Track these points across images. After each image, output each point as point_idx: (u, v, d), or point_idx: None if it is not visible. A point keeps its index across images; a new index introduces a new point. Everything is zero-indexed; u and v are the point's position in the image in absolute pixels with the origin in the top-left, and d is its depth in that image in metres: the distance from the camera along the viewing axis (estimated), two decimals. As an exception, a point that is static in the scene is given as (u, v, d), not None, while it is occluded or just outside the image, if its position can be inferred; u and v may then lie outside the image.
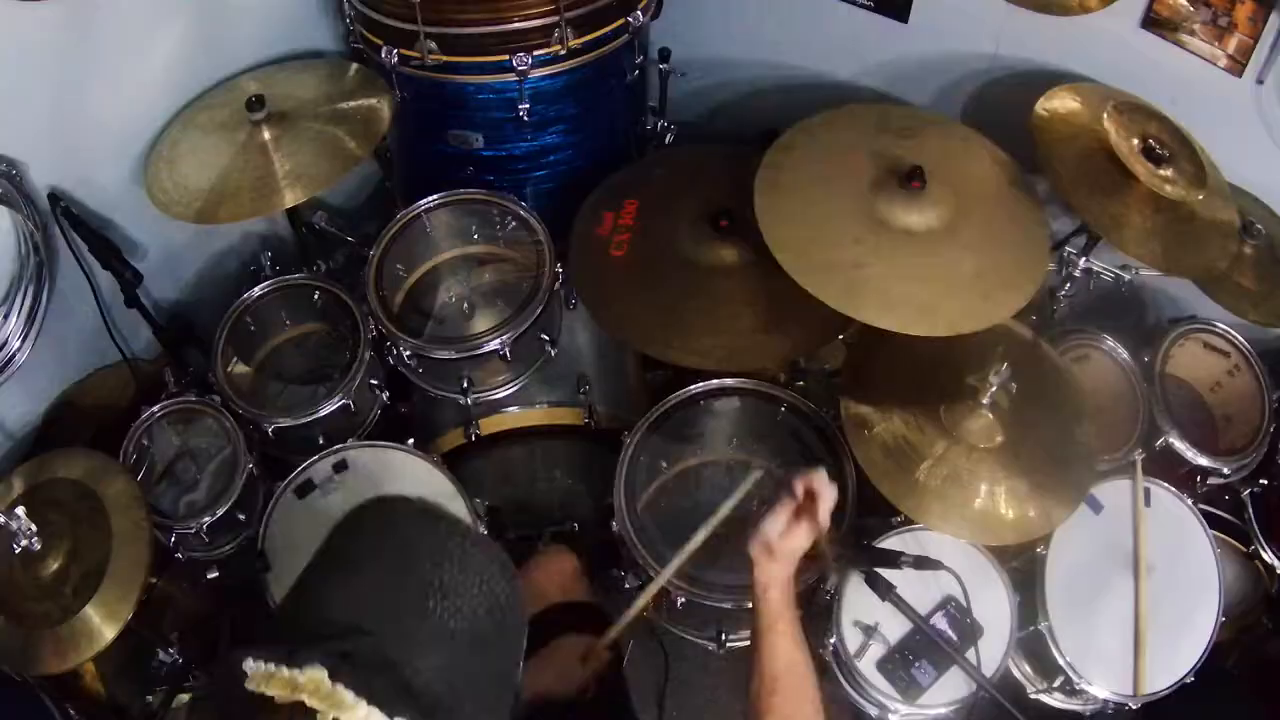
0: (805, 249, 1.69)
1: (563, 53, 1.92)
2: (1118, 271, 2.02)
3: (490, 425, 1.99)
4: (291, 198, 1.81)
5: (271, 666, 0.66)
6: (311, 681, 0.65)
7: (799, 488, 1.20)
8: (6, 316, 1.76)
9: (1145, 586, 1.71)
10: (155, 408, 1.90)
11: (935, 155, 1.81)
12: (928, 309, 1.63)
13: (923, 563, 1.60)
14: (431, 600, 0.73)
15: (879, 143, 1.84)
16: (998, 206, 1.79)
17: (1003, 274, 1.68)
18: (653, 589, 1.46)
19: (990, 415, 1.67)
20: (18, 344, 1.77)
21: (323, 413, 1.88)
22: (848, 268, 1.66)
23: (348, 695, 0.65)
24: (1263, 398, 2.00)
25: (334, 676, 0.66)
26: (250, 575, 1.72)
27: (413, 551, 0.76)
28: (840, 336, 1.90)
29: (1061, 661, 1.67)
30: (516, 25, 1.86)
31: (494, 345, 1.84)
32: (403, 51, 1.91)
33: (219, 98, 1.98)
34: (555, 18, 1.86)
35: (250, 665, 0.67)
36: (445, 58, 1.91)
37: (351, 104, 1.96)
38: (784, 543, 1.21)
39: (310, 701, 0.65)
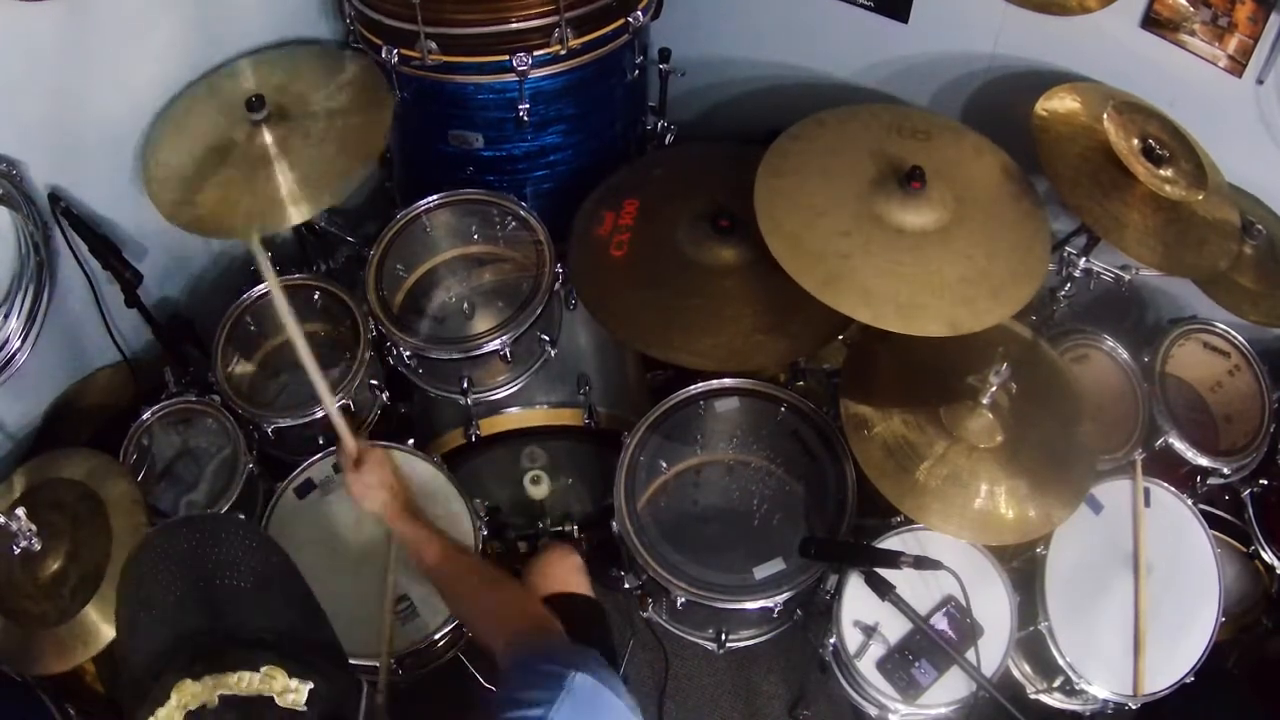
0: (796, 235, 1.70)
1: (563, 53, 1.92)
2: (1118, 271, 2.02)
3: (490, 425, 1.99)
4: (297, 215, 1.82)
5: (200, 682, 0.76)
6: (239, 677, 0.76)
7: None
8: (6, 316, 1.76)
9: (1145, 586, 1.71)
10: (155, 408, 1.90)
11: (943, 159, 1.81)
12: (905, 307, 1.63)
13: (923, 563, 1.60)
14: (218, 579, 0.87)
15: (887, 142, 1.84)
16: (998, 218, 1.78)
17: (990, 284, 1.68)
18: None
19: (990, 415, 1.67)
20: (18, 344, 1.77)
21: (322, 413, 1.88)
22: (833, 258, 1.67)
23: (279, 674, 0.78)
24: (1263, 398, 2.00)
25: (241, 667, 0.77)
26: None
27: (180, 561, 0.88)
28: (840, 336, 1.90)
29: (1061, 661, 1.67)
30: (516, 25, 1.86)
31: (494, 345, 1.84)
32: (403, 51, 1.91)
33: (214, 87, 1.96)
34: (555, 18, 1.86)
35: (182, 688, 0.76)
36: (445, 58, 1.91)
37: (350, 95, 1.95)
38: (361, 489, 1.55)
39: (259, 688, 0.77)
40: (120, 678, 0.83)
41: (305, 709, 0.76)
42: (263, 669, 0.77)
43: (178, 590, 0.86)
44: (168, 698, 0.74)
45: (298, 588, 0.92)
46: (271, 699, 0.76)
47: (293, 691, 0.77)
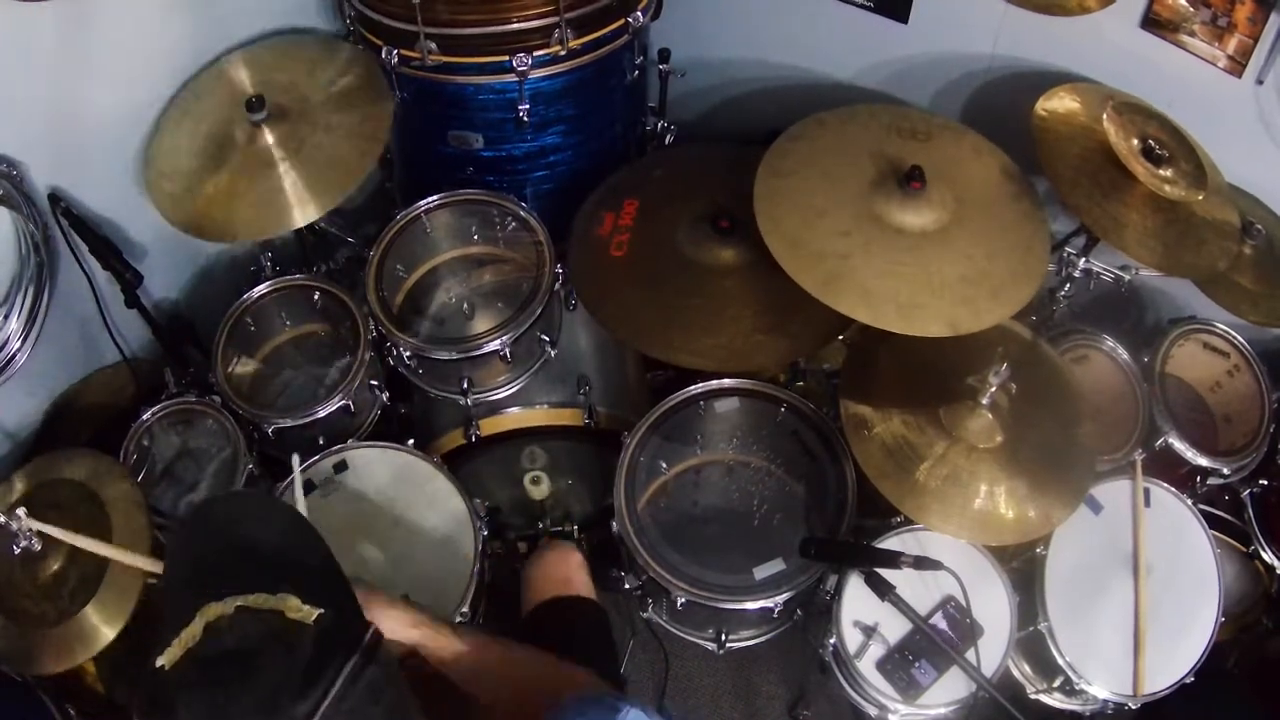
0: (796, 235, 1.71)
1: (562, 53, 1.92)
2: (1118, 271, 2.02)
3: (490, 426, 1.99)
4: (301, 217, 1.82)
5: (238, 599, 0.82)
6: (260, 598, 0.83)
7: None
8: (7, 317, 1.76)
9: (1145, 586, 1.71)
10: (155, 408, 1.90)
11: (943, 160, 1.81)
12: (905, 307, 1.63)
13: (923, 563, 1.60)
14: (247, 530, 0.93)
15: (887, 142, 1.85)
16: (997, 218, 1.79)
17: (990, 284, 1.68)
18: None
19: (990, 415, 1.67)
20: (18, 344, 1.77)
21: (322, 413, 1.88)
22: (833, 258, 1.67)
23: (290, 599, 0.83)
24: (1262, 398, 2.00)
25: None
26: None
27: (215, 520, 0.97)
28: (840, 336, 1.90)
29: (1061, 661, 1.67)
30: (516, 26, 1.86)
31: (494, 346, 1.84)
32: (403, 52, 1.91)
33: (211, 85, 1.96)
34: (555, 18, 1.86)
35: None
36: (445, 58, 1.91)
37: (349, 85, 1.95)
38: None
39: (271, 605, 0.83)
40: (161, 619, 0.88)
41: (310, 624, 0.82)
42: (279, 594, 0.83)
43: (212, 541, 0.93)
44: (193, 620, 0.81)
45: (321, 545, 0.97)
46: (282, 612, 0.82)
47: (301, 611, 0.82)
